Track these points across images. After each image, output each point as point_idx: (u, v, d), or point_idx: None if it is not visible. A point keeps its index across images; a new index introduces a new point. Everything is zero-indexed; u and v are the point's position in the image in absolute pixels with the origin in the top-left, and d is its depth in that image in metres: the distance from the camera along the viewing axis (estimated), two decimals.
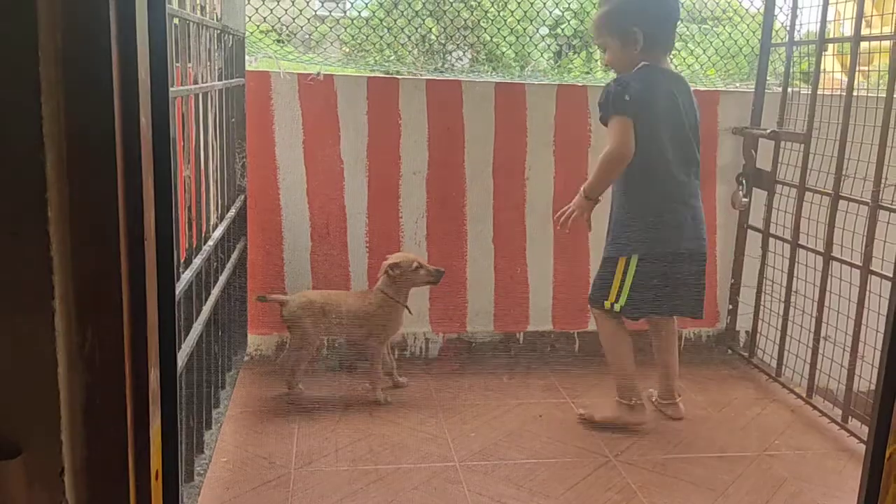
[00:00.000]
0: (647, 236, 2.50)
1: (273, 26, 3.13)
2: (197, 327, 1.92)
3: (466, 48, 3.62)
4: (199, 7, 2.01)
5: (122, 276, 0.93)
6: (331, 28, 3.32)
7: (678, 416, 2.70)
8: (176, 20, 1.76)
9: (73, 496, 0.94)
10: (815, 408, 2.78)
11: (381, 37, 3.35)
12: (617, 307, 2.54)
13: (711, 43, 3.58)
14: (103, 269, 0.92)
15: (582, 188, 2.51)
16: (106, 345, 0.93)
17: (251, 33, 3.00)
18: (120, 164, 0.91)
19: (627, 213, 2.52)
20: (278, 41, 3.28)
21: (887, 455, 1.18)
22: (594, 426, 2.62)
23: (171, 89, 1.05)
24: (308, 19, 3.21)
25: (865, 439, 1.78)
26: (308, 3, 3.16)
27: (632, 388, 2.59)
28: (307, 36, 3.33)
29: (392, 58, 3.38)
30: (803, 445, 2.57)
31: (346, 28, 3.32)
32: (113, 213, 0.91)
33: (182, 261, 1.88)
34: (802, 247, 2.85)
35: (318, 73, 2.91)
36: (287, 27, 3.14)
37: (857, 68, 2.64)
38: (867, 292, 2.54)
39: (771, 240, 3.05)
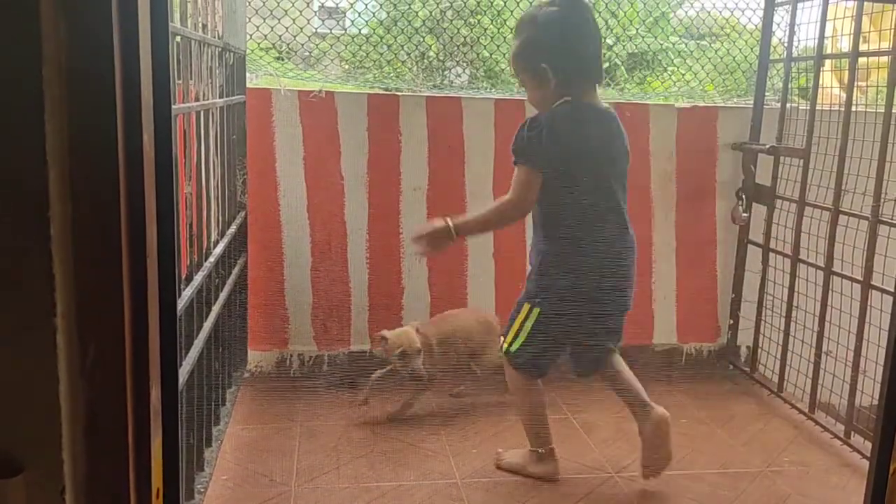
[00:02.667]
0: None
1: (274, 44, 3.15)
2: (198, 344, 1.92)
3: (466, 65, 3.64)
4: (200, 25, 2.02)
5: (123, 292, 0.93)
6: (331, 45, 3.34)
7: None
8: (178, 38, 1.77)
9: None
10: (817, 423, 2.77)
11: (381, 54, 3.37)
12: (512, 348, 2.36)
13: (710, 59, 3.60)
14: (105, 286, 0.92)
15: (452, 220, 2.24)
16: (108, 361, 0.93)
17: (252, 51, 3.01)
18: (123, 181, 0.91)
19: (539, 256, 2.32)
20: (278, 58, 3.29)
21: (891, 471, 1.17)
22: (502, 471, 2.42)
23: (173, 107, 1.05)
24: (308, 37, 3.23)
25: (868, 455, 1.78)
26: (308, 20, 3.18)
27: (544, 436, 2.43)
28: (308, 53, 3.35)
29: (392, 74, 3.39)
30: (806, 461, 2.56)
31: (346, 45, 3.33)
32: (115, 229, 0.91)
33: (183, 277, 1.88)
34: (803, 261, 2.85)
35: (320, 91, 2.92)
36: (288, 44, 3.16)
37: (856, 84, 2.65)
38: (868, 307, 2.54)
39: (771, 255, 3.05)
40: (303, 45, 3.23)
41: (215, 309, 2.17)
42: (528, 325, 2.29)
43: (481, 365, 2.89)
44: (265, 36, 3.09)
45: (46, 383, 0.89)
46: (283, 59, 3.31)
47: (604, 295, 2.28)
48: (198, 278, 1.93)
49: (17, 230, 0.85)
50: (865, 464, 2.34)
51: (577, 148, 2.25)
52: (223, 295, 2.31)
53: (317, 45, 3.39)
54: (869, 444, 2.40)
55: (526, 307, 2.30)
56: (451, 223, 2.24)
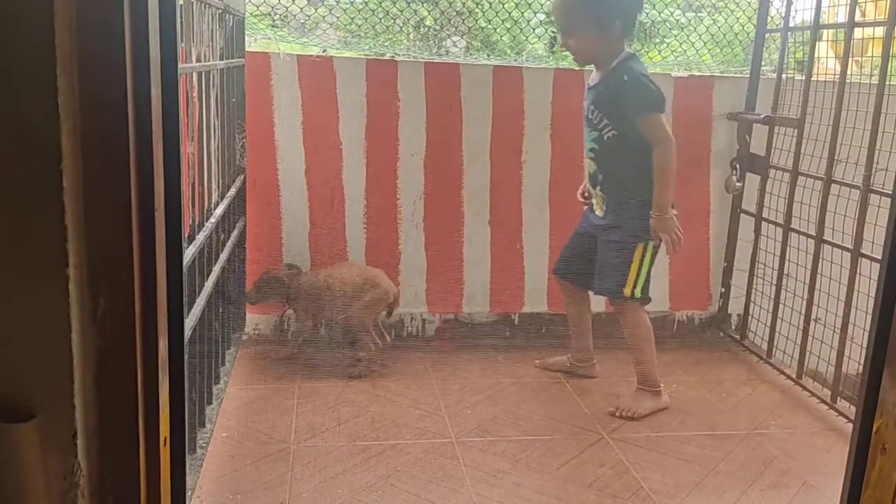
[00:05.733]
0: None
1: (273, 7, 3.13)
2: (199, 302, 1.95)
3: (462, 34, 3.63)
4: None
5: (133, 244, 0.96)
6: (330, 10, 3.32)
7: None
8: None
9: (86, 460, 0.97)
10: (804, 388, 2.83)
11: (381, 19, 3.36)
12: (637, 292, 2.60)
13: (707, 29, 3.60)
14: (116, 238, 0.94)
15: (657, 209, 2.50)
16: (118, 312, 0.96)
17: (249, 15, 3.00)
18: (132, 136, 0.93)
19: (643, 200, 2.54)
20: (273, 26, 3.28)
21: (875, 428, 1.21)
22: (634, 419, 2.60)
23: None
24: (307, 1, 3.22)
25: (853, 419, 1.82)
26: None
27: (654, 376, 2.67)
28: (306, 17, 3.34)
29: (388, 43, 3.38)
30: (792, 424, 2.62)
31: (345, 10, 3.31)
32: (125, 183, 0.94)
33: (186, 236, 1.90)
34: (795, 230, 2.88)
35: (324, 51, 2.92)
36: (286, 7, 3.15)
37: (851, 56, 2.67)
38: (857, 275, 2.58)
39: (764, 224, 3.09)
40: (302, 8, 3.22)
41: (216, 269, 2.20)
42: (647, 262, 2.59)
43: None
44: (264, 0, 3.08)
45: (59, 332, 0.91)
46: (276, 27, 3.29)
47: None
48: (200, 237, 1.95)
49: (30, 182, 0.87)
50: (850, 427, 2.39)
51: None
52: (223, 256, 2.33)
53: (315, 10, 3.37)
54: (854, 409, 2.45)
55: (639, 248, 2.57)
56: (658, 211, 2.51)
